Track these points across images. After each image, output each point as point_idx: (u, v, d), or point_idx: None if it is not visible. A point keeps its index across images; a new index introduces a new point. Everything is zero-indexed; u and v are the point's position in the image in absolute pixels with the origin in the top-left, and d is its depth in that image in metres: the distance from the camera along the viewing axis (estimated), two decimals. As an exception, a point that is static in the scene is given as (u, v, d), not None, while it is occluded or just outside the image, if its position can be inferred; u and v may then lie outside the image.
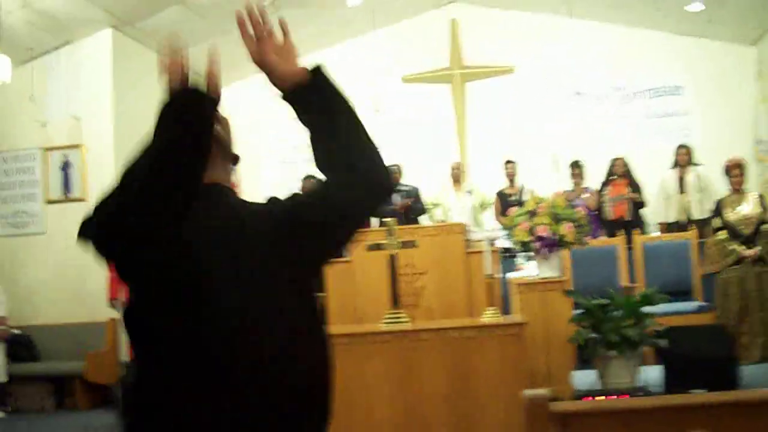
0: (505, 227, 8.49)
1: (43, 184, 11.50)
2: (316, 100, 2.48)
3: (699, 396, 2.65)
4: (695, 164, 11.46)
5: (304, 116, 2.52)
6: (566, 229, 7.45)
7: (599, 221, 11.51)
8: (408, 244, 6.74)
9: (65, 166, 11.45)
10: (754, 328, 8.48)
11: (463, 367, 6.24)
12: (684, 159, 11.45)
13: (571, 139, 13.84)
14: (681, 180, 11.45)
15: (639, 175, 11.89)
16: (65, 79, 11.55)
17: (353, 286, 7.80)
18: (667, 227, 11.49)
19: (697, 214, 11.01)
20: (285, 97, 2.55)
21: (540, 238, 7.47)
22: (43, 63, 11.60)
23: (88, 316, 10.65)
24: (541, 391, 2.59)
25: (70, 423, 9.53)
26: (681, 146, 11.72)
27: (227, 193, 2.50)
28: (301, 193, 2.54)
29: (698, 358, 7.14)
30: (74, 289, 11.03)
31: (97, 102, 11.47)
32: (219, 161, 2.52)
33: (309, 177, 10.96)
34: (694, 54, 13.86)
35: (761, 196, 9.05)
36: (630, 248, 10.16)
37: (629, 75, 14.08)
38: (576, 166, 11.95)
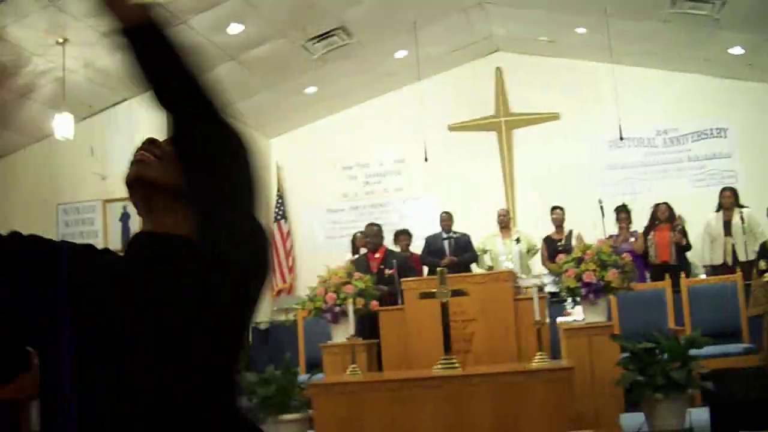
0: (553, 273, 8.67)
1: (103, 235, 11.90)
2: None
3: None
4: (741, 206, 11.52)
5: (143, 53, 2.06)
6: (612, 275, 7.62)
7: (645, 265, 11.64)
8: (458, 293, 6.94)
9: (124, 217, 11.85)
10: (800, 371, 8.52)
11: (511, 410, 6.42)
12: (728, 201, 11.53)
13: (616, 183, 14.01)
14: (726, 223, 11.52)
15: (683, 218, 11.97)
16: (123, 133, 11.93)
17: (406, 332, 8.02)
18: (712, 270, 11.56)
19: (743, 257, 11.09)
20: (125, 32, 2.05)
21: (586, 284, 7.65)
22: (103, 118, 12.06)
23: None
24: (586, 433, 2.80)
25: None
26: (725, 189, 11.82)
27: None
28: None
29: (745, 400, 7.22)
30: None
31: (155, 155, 11.86)
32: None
33: (372, 224, 11.16)
34: (738, 96, 13.91)
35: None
36: (676, 291, 10.24)
37: (672, 118, 14.19)
38: (622, 210, 12.06)
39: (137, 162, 2.14)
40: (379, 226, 10.88)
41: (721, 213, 11.66)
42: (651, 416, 7.31)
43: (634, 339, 7.67)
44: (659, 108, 14.16)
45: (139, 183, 2.13)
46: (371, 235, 10.47)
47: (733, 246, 11.34)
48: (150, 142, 2.18)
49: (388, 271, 9.62)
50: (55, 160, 12.15)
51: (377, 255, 10.35)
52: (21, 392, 7.46)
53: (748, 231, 11.21)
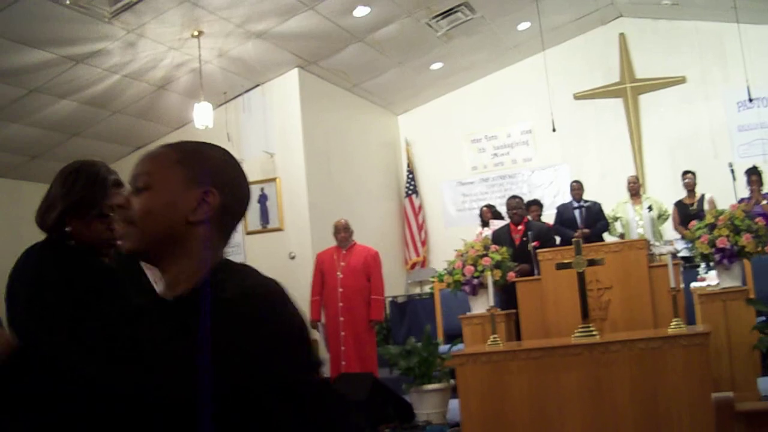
0: (686, 239, 8.76)
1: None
2: None
3: None
4: None
5: None
6: (746, 240, 7.68)
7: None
8: (593, 262, 7.11)
9: (262, 199, 12.28)
10: None
11: (650, 376, 6.55)
12: None
13: (747, 144, 13.89)
14: None
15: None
16: (258, 117, 12.40)
17: (543, 302, 8.23)
18: None
19: None
20: None
21: (720, 250, 7.72)
22: (237, 104, 12.52)
23: (289, 338, 11.33)
24: (727, 394, 3.02)
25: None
26: None
27: None
28: None
29: None
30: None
31: (288, 137, 12.31)
32: None
33: (514, 197, 11.35)
34: None
35: None
36: (814, 252, 10.17)
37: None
38: (753, 173, 11.95)
39: (119, 238, 1.99)
40: (520, 198, 11.01)
41: None
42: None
43: (772, 301, 7.73)
44: (788, 65, 13.92)
45: (135, 257, 2.02)
46: (514, 208, 10.63)
47: None
48: (118, 207, 1.98)
49: (530, 245, 9.77)
50: (194, 147, 12.63)
51: (520, 227, 10.55)
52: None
53: None
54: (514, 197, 10.97)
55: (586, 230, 11.58)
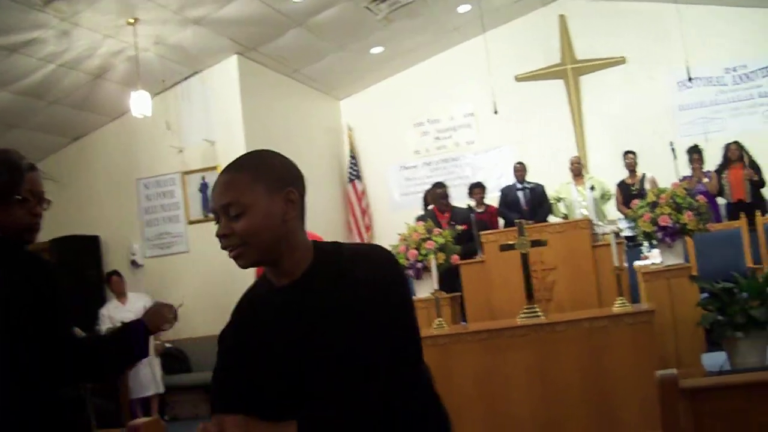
0: (628, 218, 8.77)
1: (184, 206, 12.21)
2: None
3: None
4: None
5: None
6: (688, 217, 7.70)
7: (718, 206, 11.66)
8: (537, 243, 7.08)
9: (203, 188, 12.13)
10: None
11: (596, 355, 6.56)
12: None
13: (687, 124, 13.98)
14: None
15: (757, 154, 11.92)
16: (197, 105, 12.22)
17: (488, 284, 8.20)
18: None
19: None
20: None
21: (662, 228, 7.74)
22: (176, 93, 12.33)
23: (235, 327, 11.21)
24: (671, 371, 2.97)
25: (226, 428, 10.06)
26: None
27: None
28: None
29: (826, 334, 7.28)
30: (219, 302, 11.52)
31: (228, 124, 12.13)
32: None
33: (439, 185, 11.31)
34: (806, 29, 13.79)
35: None
36: (752, 230, 10.26)
37: (741, 55, 14.04)
38: (694, 151, 12.05)
39: (235, 258, 2.31)
40: (445, 185, 11.00)
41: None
42: (732, 355, 7.41)
43: (713, 279, 7.76)
44: (726, 46, 13.98)
45: (255, 266, 2.38)
46: (439, 197, 10.61)
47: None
48: (222, 237, 2.30)
49: (459, 227, 9.77)
50: (133, 136, 12.44)
51: (445, 214, 10.49)
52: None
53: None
54: (438, 185, 10.94)
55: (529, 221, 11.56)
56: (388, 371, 2.22)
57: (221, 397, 2.42)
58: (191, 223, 12.26)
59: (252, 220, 2.25)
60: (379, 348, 2.22)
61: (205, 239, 11.83)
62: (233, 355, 2.43)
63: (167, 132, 12.18)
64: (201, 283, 11.85)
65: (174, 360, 11.49)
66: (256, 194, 2.27)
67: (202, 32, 11.23)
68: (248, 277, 10.12)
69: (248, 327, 2.41)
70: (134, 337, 3.27)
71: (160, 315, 3.34)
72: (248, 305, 2.48)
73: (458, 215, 10.59)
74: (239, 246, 2.26)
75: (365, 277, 2.28)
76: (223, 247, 2.32)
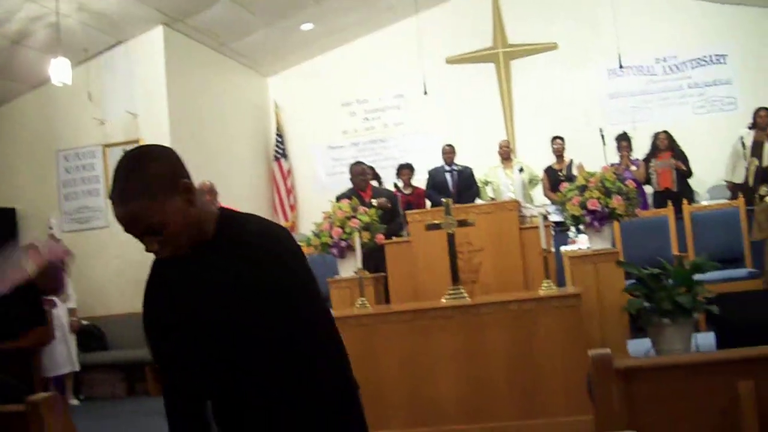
0: (556, 202, 8.70)
1: (104, 180, 11.88)
2: None
3: (751, 350, 2.90)
4: None
5: None
6: (616, 202, 7.64)
7: (645, 193, 11.69)
8: (464, 223, 6.97)
9: (125, 162, 11.80)
10: (804, 293, 8.60)
11: (522, 338, 6.48)
12: (765, 121, 11.27)
13: (617, 112, 14.02)
14: (756, 143, 11.28)
15: (685, 144, 11.95)
16: (121, 77, 11.89)
17: (413, 264, 8.05)
18: (734, 187, 11.49)
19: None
20: None
21: (591, 212, 7.66)
22: (99, 62, 11.98)
23: (153, 304, 10.97)
24: (605, 350, 2.85)
25: (141, 408, 9.86)
26: (761, 108, 11.49)
27: None
28: None
29: (750, 323, 7.27)
30: (137, 279, 11.27)
31: (152, 97, 11.82)
32: None
33: (358, 163, 11.16)
34: (736, 22, 13.87)
35: (807, 162, 9.14)
36: (679, 218, 10.29)
37: (672, 46, 14.13)
38: (623, 138, 12.06)
39: (166, 256, 2.51)
40: (364, 164, 10.89)
41: (753, 132, 11.39)
42: (657, 341, 7.38)
43: (640, 266, 7.72)
44: (658, 36, 14.08)
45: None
46: (359, 174, 10.49)
47: (757, 168, 11.15)
48: (156, 252, 2.49)
49: (375, 201, 9.65)
50: (53, 106, 12.08)
51: (367, 192, 10.38)
52: (36, 342, 7.62)
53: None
54: (357, 163, 10.83)
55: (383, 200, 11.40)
56: (295, 340, 2.48)
57: (164, 369, 2.70)
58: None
59: (173, 228, 2.42)
60: (281, 316, 2.48)
61: (125, 214, 11.55)
62: (152, 325, 2.71)
63: (89, 103, 11.84)
64: (120, 259, 11.58)
65: (90, 337, 11.20)
66: (162, 208, 2.40)
67: (128, 0, 10.90)
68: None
69: (158, 297, 2.69)
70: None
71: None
72: (160, 275, 2.71)
73: (378, 194, 10.43)
74: (173, 250, 2.48)
75: (266, 250, 2.52)
76: (159, 257, 2.53)
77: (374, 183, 11.51)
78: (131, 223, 2.39)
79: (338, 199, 9.77)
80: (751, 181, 11.21)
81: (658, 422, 2.76)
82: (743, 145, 11.30)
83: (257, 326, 2.46)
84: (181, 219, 2.42)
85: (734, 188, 11.47)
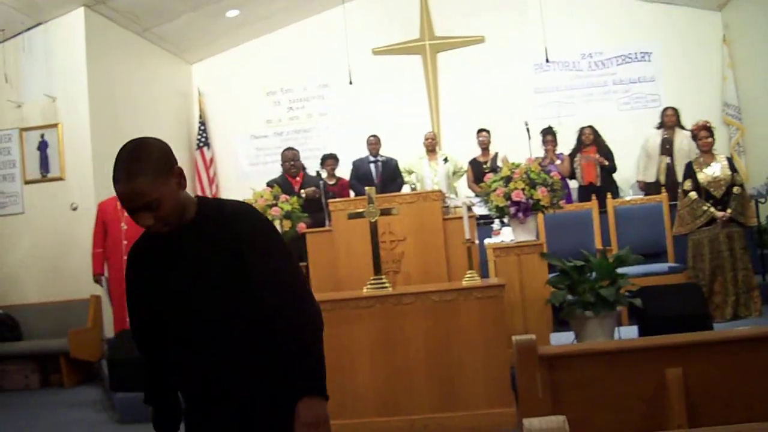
0: (480, 194, 8.62)
1: (20, 165, 11.52)
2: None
3: (675, 337, 2.81)
4: (682, 127, 11.49)
5: None
6: (541, 194, 7.59)
7: (569, 188, 11.71)
8: (387, 212, 6.85)
9: (42, 146, 11.48)
10: (726, 288, 8.59)
11: (444, 329, 6.39)
12: (672, 120, 11.50)
13: (543, 106, 14.06)
14: (665, 141, 11.52)
15: (609, 140, 11.98)
16: (39, 59, 11.53)
17: (334, 254, 7.90)
18: (646, 186, 11.61)
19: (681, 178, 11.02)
20: None
21: (516, 203, 7.60)
22: (17, 43, 11.59)
23: (69, 293, 10.69)
24: (530, 336, 2.74)
25: (55, 399, 9.59)
26: (667, 108, 11.78)
27: None
28: None
29: (673, 316, 7.27)
30: (55, 267, 11.10)
31: (71, 81, 11.47)
32: None
33: (290, 149, 10.99)
34: (662, 20, 14.02)
35: (730, 159, 9.17)
36: (603, 212, 10.29)
37: (597, 42, 14.21)
38: (548, 132, 12.03)
39: (158, 232, 2.91)
40: (296, 149, 10.72)
41: (661, 131, 11.65)
42: (580, 334, 7.33)
43: (564, 258, 7.68)
44: (584, 31, 14.18)
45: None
46: (290, 159, 10.31)
47: (667, 165, 11.35)
48: (146, 220, 2.84)
49: (304, 192, 9.50)
50: (-34, 87, 11.72)
51: (297, 179, 10.21)
52: None
53: (683, 152, 11.19)
54: (289, 149, 10.71)
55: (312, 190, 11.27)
56: (266, 287, 2.94)
57: (139, 327, 3.21)
58: (28, 183, 11.54)
59: (166, 205, 2.83)
60: (251, 271, 2.94)
61: (42, 201, 11.27)
62: (132, 289, 3.16)
63: (5, 85, 11.44)
64: (35, 246, 11.25)
65: (3, 327, 10.83)
66: (159, 187, 2.80)
67: (47, -20, 10.59)
68: (83, 242, 9.70)
69: (140, 265, 3.10)
70: None
71: None
72: (145, 243, 3.11)
73: (309, 182, 10.27)
74: (162, 226, 2.87)
75: (234, 223, 2.99)
76: (151, 231, 2.90)
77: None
78: (133, 198, 2.77)
79: (268, 184, 9.61)
80: (662, 179, 11.42)
81: (583, 410, 2.66)
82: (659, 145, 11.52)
83: (237, 278, 2.94)
84: (173, 199, 2.85)
85: (646, 187, 11.63)
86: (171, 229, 2.89)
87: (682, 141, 11.29)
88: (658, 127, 11.76)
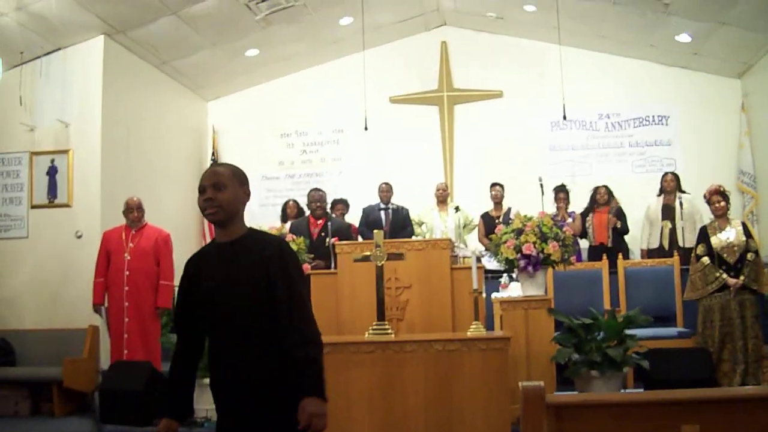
0: (491, 247, 8.49)
1: (28, 189, 11.43)
2: None
3: (688, 391, 2.67)
4: (683, 191, 11.45)
5: None
6: (552, 248, 7.47)
7: (580, 248, 11.60)
8: (395, 256, 6.73)
9: (51, 171, 11.41)
10: (735, 355, 8.45)
11: (445, 380, 6.25)
12: (670, 186, 11.48)
13: (557, 164, 13.98)
14: (666, 206, 11.46)
15: (622, 202, 11.88)
16: (55, 84, 11.49)
17: (339, 297, 7.77)
18: (649, 253, 11.50)
19: (681, 242, 10.98)
20: None
21: (526, 256, 7.48)
22: (34, 67, 11.54)
23: (68, 322, 10.54)
24: (538, 382, 2.60)
25: (43, 428, 9.41)
26: (667, 173, 11.78)
27: None
28: None
29: (680, 380, 7.11)
30: (55, 294, 10.97)
31: (86, 108, 11.42)
32: None
33: (317, 189, 10.90)
34: (681, 85, 13.99)
35: (744, 225, 9.05)
36: (613, 273, 10.17)
37: (616, 103, 14.20)
38: (561, 190, 11.95)
39: (210, 214, 3.72)
40: (323, 191, 10.61)
41: (661, 197, 11.58)
42: (585, 393, 7.17)
43: (572, 315, 7.54)
44: (603, 92, 14.17)
45: (218, 223, 3.78)
46: (317, 201, 10.21)
47: (671, 230, 11.27)
48: (208, 200, 3.70)
49: (329, 240, 9.38)
50: (-20, 107, 11.66)
51: (319, 221, 10.12)
52: None
53: (687, 216, 11.14)
54: (317, 189, 10.58)
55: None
56: (284, 305, 3.64)
57: (180, 315, 3.92)
58: (34, 207, 11.44)
59: (228, 193, 3.70)
60: (280, 287, 3.64)
61: (47, 226, 11.17)
62: (186, 283, 3.90)
63: (19, 108, 11.37)
64: (37, 272, 11.12)
65: (-3, 351, 10.69)
66: (232, 182, 3.73)
67: (69, 5, 10.53)
68: (86, 271, 9.55)
69: (198, 266, 3.86)
70: None
71: None
72: (199, 254, 3.95)
73: (334, 224, 10.13)
74: (216, 207, 3.69)
75: (268, 246, 3.76)
76: (207, 207, 3.71)
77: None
78: (211, 176, 3.73)
79: (291, 225, 9.52)
80: (665, 245, 11.33)
81: (590, 466, 2.52)
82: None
83: (261, 294, 3.64)
84: (234, 196, 3.71)
85: (649, 255, 11.54)
86: (217, 218, 3.70)
87: (685, 205, 11.28)
88: (659, 194, 11.72)
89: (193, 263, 3.89)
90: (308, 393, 3.53)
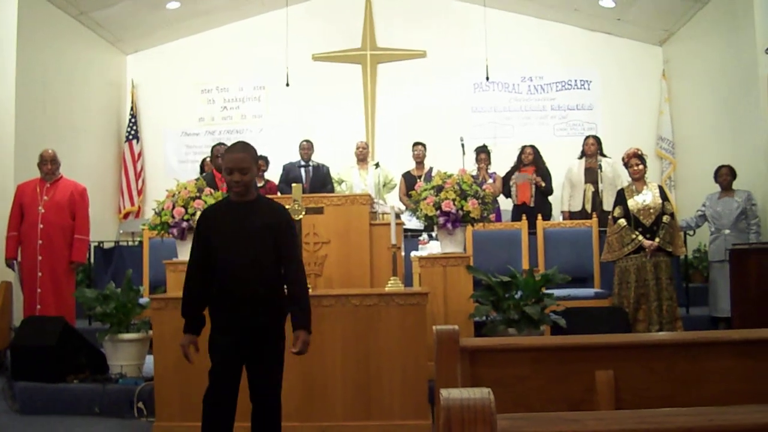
0: (411, 204, 8.44)
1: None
2: None
3: (602, 337, 2.64)
4: (604, 155, 11.50)
5: None
6: (472, 205, 7.43)
7: (500, 208, 11.63)
8: (313, 211, 6.65)
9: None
10: (650, 317, 8.53)
11: (363, 335, 6.22)
12: (592, 149, 11.49)
13: (479, 126, 14.00)
14: (588, 170, 11.49)
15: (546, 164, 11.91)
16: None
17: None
18: (570, 215, 11.53)
19: (607, 206, 10.99)
20: None
21: (445, 213, 7.44)
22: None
23: (-22, 278, 10.29)
24: (452, 326, 2.54)
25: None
26: (589, 136, 11.78)
27: None
28: None
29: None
30: None
31: (-1, 62, 11.09)
32: None
33: (221, 144, 10.74)
34: (604, 50, 14.10)
35: (661, 188, 9.11)
36: (532, 233, 10.18)
37: (539, 67, 14.24)
38: (482, 151, 11.90)
39: (238, 191, 4.79)
40: (225, 145, 10.47)
41: (583, 160, 11.60)
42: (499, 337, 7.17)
43: (490, 274, 7.53)
44: (526, 55, 14.22)
45: (241, 196, 4.84)
46: (220, 155, 10.09)
47: (594, 193, 11.31)
48: (237, 181, 4.76)
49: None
50: None
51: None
52: None
53: (608, 180, 11.20)
54: (220, 144, 10.47)
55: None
56: (288, 260, 4.85)
57: (198, 252, 4.89)
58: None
59: (250, 176, 4.76)
60: (280, 247, 4.80)
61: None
62: (202, 232, 4.88)
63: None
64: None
65: None
66: (251, 164, 4.77)
67: (-19, -47, 10.23)
68: (4, 222, 9.23)
69: (212, 219, 4.90)
70: None
71: None
72: (214, 208, 5.08)
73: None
74: (242, 187, 4.74)
75: (277, 214, 4.89)
76: (234, 186, 4.75)
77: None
78: (240, 162, 4.70)
79: (202, 179, 9.39)
80: (588, 208, 11.37)
81: (505, 411, 2.46)
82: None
83: (267, 243, 4.77)
84: (252, 176, 4.79)
85: (571, 217, 11.54)
86: (239, 192, 4.76)
87: (606, 168, 11.32)
88: (580, 157, 11.73)
89: (210, 214, 4.98)
90: (301, 326, 4.76)
